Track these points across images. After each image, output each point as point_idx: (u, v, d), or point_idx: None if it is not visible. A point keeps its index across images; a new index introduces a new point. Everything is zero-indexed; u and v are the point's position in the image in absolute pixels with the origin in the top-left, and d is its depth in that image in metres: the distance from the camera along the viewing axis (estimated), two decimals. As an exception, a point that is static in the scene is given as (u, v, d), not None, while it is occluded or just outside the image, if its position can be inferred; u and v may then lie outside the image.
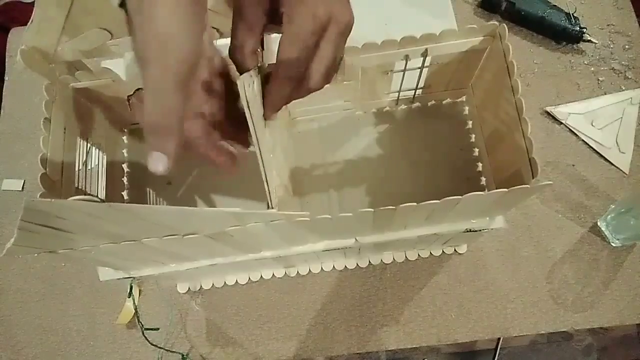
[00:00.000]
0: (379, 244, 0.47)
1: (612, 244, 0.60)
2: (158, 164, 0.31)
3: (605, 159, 0.63)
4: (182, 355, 0.59)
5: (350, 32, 0.36)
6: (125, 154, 0.63)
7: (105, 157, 0.58)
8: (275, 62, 0.36)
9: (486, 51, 0.50)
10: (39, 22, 0.44)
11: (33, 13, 0.43)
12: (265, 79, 0.39)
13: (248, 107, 0.34)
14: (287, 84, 0.37)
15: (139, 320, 0.57)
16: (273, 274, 0.61)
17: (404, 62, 0.51)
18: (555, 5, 0.68)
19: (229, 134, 0.41)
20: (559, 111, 0.66)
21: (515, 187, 0.35)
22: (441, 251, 0.61)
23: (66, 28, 0.45)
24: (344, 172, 0.62)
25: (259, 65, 0.37)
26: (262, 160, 0.36)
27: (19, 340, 0.61)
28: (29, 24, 0.43)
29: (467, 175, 0.60)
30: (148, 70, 0.29)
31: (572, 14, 0.67)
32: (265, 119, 0.39)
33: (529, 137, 0.41)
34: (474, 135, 0.61)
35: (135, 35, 0.30)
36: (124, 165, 0.63)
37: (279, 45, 0.35)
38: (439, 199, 0.36)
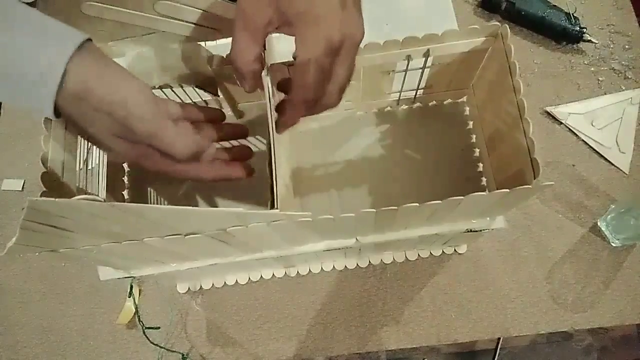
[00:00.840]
0: (380, 244, 0.47)
1: (612, 244, 0.60)
2: None
3: (605, 159, 0.64)
4: (182, 355, 0.59)
5: (359, 44, 0.36)
6: (126, 154, 0.63)
7: (105, 156, 0.58)
8: (277, 61, 0.36)
9: (488, 51, 0.50)
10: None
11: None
12: (278, 86, 0.39)
13: (270, 101, 0.34)
14: (303, 106, 0.37)
15: (139, 320, 0.57)
16: (273, 274, 0.61)
17: (406, 62, 0.51)
18: (555, 5, 0.68)
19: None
20: (559, 111, 0.66)
21: (518, 188, 0.35)
22: (441, 251, 0.61)
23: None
24: (345, 172, 0.62)
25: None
26: (274, 157, 0.37)
27: (19, 340, 0.61)
28: None
29: (467, 175, 0.60)
30: None
31: (572, 14, 0.67)
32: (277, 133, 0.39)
33: (531, 137, 0.41)
34: (474, 136, 0.61)
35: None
36: (125, 165, 0.63)
37: (293, 69, 0.34)
38: (439, 199, 0.36)
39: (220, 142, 0.46)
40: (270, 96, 0.34)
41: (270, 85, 0.37)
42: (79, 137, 0.52)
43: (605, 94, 0.67)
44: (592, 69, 0.69)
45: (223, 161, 0.44)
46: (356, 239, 0.46)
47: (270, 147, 0.37)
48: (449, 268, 0.61)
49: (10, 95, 0.32)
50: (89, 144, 0.53)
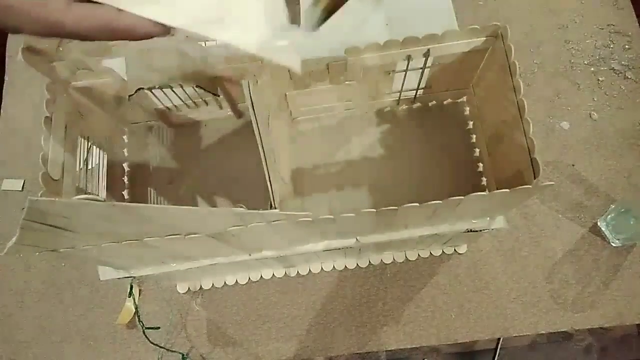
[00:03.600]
0: (380, 244, 0.47)
1: (612, 244, 0.60)
2: None
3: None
4: (182, 355, 0.59)
5: None
6: (126, 153, 0.63)
7: (105, 156, 0.58)
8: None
9: (488, 51, 0.50)
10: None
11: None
12: None
13: (252, 107, 0.34)
14: None
15: (139, 320, 0.57)
16: (273, 274, 0.61)
17: (406, 62, 0.51)
18: None
19: None
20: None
21: (518, 188, 0.35)
22: (441, 251, 0.61)
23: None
24: (345, 171, 0.62)
25: (262, 62, 0.37)
26: (266, 160, 0.36)
27: (19, 340, 0.61)
28: None
29: (467, 175, 0.60)
30: None
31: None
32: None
33: (531, 137, 0.41)
34: (474, 136, 0.61)
35: None
36: (125, 165, 0.63)
37: None
38: (439, 199, 0.36)
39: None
40: (252, 98, 0.34)
41: (251, 92, 0.37)
42: (79, 137, 0.52)
43: (606, 94, 0.67)
44: (592, 69, 0.68)
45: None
46: (356, 239, 0.46)
47: (261, 149, 0.37)
48: (449, 268, 0.61)
49: None
50: (89, 144, 0.54)
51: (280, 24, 0.28)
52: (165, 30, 0.27)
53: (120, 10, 0.26)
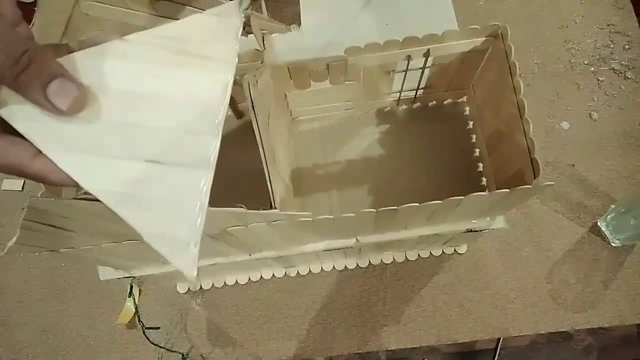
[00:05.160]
0: (380, 244, 0.47)
1: (612, 244, 0.60)
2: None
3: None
4: (182, 355, 0.59)
5: None
6: (126, 154, 0.63)
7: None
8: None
9: (488, 51, 0.50)
10: (39, 27, 0.44)
11: (34, 18, 0.43)
12: None
13: (252, 106, 0.34)
14: None
15: (139, 320, 0.57)
16: (273, 274, 0.61)
17: (406, 62, 0.51)
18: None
19: None
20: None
21: (518, 188, 0.35)
22: (441, 251, 0.61)
23: (66, 32, 0.45)
24: (345, 172, 0.62)
25: (261, 62, 0.37)
26: (266, 160, 0.36)
27: (19, 340, 0.61)
28: (30, 26, 0.43)
29: (467, 175, 0.60)
30: None
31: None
32: None
33: (531, 137, 0.41)
34: (474, 136, 0.61)
35: None
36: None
37: None
38: (439, 199, 0.36)
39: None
40: (252, 97, 0.34)
41: (252, 90, 0.37)
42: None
43: (606, 94, 0.67)
44: (592, 69, 0.68)
45: None
46: (356, 239, 0.46)
47: (261, 149, 0.37)
48: (449, 268, 0.61)
49: None
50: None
51: (195, 225, 0.28)
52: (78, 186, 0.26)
53: (38, 153, 0.24)
